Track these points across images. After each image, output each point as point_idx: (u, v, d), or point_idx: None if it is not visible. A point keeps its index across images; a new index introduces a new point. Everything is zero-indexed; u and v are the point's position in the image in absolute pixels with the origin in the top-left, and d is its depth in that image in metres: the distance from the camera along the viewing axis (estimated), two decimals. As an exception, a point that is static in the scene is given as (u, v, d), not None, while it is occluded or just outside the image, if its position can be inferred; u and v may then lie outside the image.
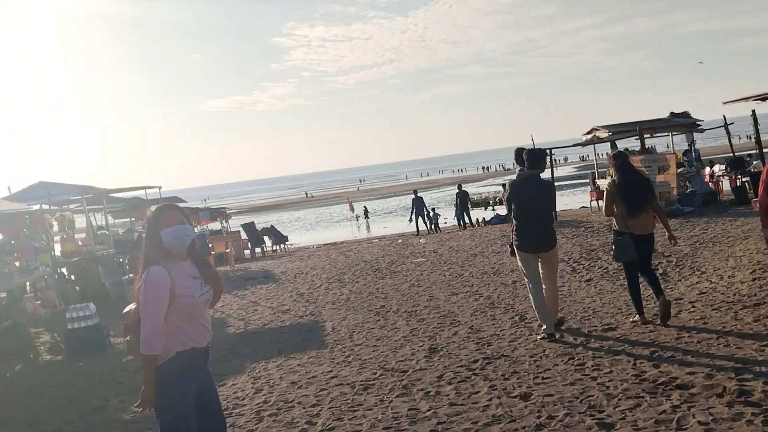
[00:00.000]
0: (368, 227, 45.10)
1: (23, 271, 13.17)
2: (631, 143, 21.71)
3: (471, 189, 64.94)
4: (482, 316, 9.43)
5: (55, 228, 16.26)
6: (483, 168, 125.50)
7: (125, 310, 4.19)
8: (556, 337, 7.63)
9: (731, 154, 21.73)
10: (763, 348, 6.31)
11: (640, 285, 7.88)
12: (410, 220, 27.99)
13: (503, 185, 27.65)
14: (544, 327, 7.74)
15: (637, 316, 7.88)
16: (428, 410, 5.88)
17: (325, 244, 30.81)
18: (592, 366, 6.52)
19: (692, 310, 8.17)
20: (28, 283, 14.58)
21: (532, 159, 7.98)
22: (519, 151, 8.39)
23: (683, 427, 4.83)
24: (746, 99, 11.14)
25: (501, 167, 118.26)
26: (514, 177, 8.42)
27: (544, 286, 7.84)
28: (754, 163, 20.41)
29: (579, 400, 5.63)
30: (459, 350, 7.80)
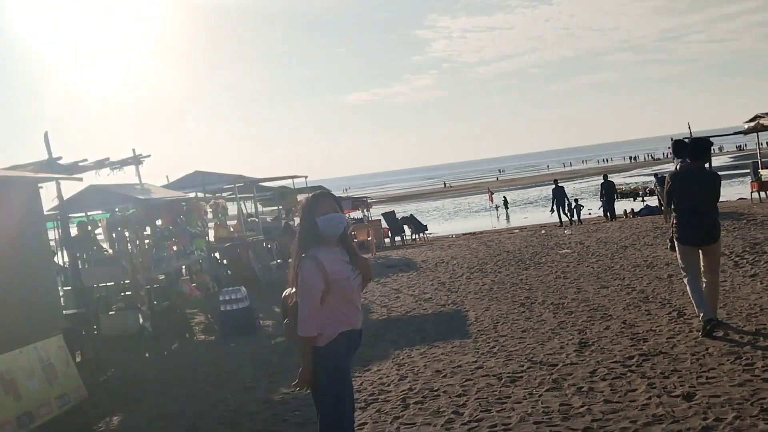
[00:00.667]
0: (507, 217, 44.42)
1: (180, 255, 13.92)
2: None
3: (617, 180, 62.51)
4: (636, 311, 8.93)
5: (210, 215, 17.08)
6: (630, 158, 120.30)
7: (284, 293, 4.24)
8: (717, 320, 7.27)
9: None
10: None
11: None
12: (552, 210, 27.23)
13: (655, 175, 26.25)
14: (702, 314, 7.31)
15: None
16: (581, 406, 5.61)
17: (464, 234, 30.62)
18: (763, 367, 5.98)
19: None
20: (184, 267, 15.40)
21: (697, 149, 7.60)
22: (678, 143, 8.10)
23: None
24: None
25: (649, 157, 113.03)
26: (671, 168, 8.03)
27: (704, 280, 7.46)
28: None
29: (749, 403, 5.17)
30: (612, 345, 7.41)
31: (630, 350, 7.10)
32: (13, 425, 6.63)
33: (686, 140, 8.29)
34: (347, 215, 33.27)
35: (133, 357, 10.29)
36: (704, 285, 7.45)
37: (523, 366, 7.05)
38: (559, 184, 27.21)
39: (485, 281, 13.02)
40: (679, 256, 7.65)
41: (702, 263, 7.49)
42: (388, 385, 7.08)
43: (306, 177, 21.96)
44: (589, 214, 30.34)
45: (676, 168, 8.05)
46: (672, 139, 10.11)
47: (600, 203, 27.65)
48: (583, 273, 12.43)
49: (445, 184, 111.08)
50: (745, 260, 11.25)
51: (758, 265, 10.72)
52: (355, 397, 6.80)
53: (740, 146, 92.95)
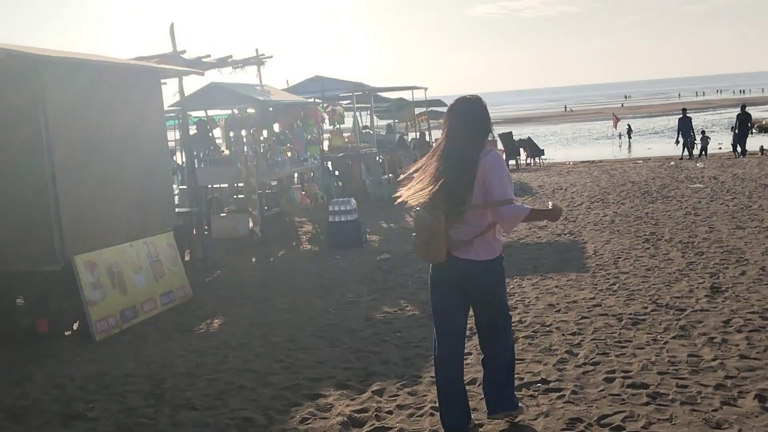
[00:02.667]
0: (630, 147, 42.21)
1: (294, 162, 13.83)
2: None
3: (755, 113, 58.16)
4: (777, 257, 8.07)
5: (326, 122, 16.88)
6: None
7: (421, 215, 3.90)
8: None
9: None
10: None
11: None
12: (677, 142, 25.53)
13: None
14: None
15: None
16: (713, 359, 5.03)
17: (582, 161, 29.30)
18: None
19: None
20: (296, 175, 15.39)
21: None
22: None
23: None
24: None
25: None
26: None
27: None
28: None
29: None
30: (749, 293, 6.69)
31: (770, 301, 6.37)
32: (117, 319, 6.72)
33: None
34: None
35: (240, 260, 10.36)
36: None
37: (646, 308, 6.47)
38: (687, 114, 25.41)
39: (606, 212, 12.25)
40: None
41: None
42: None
43: (426, 89, 21.29)
44: (719, 148, 28.15)
45: None
46: None
47: (731, 137, 25.62)
48: (717, 211, 11.43)
49: (566, 107, 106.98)
50: None
51: None
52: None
53: None
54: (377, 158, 18.25)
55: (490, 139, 4.12)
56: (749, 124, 24.50)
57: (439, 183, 3.82)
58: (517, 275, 8.17)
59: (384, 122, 27.40)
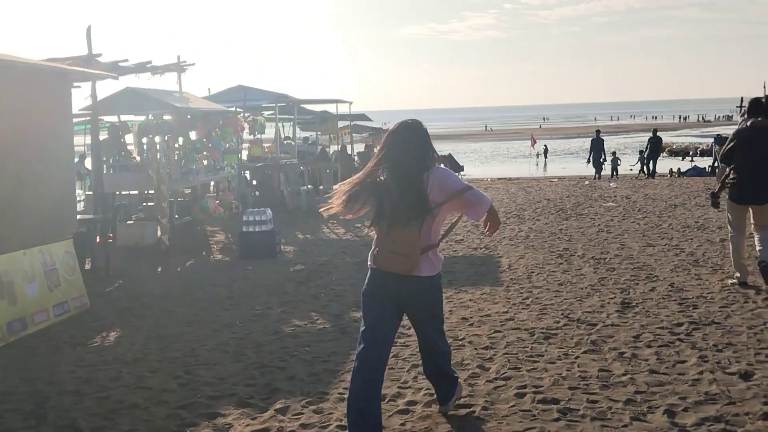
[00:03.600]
0: (546, 166, 43.26)
1: (209, 170, 13.40)
2: None
3: (665, 138, 60.54)
4: (684, 274, 8.21)
5: (246, 131, 16.48)
6: (680, 117, 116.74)
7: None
8: (758, 262, 7.30)
9: None
10: None
11: None
12: (588, 161, 26.44)
13: (716, 137, 25.13)
14: (738, 275, 7.52)
15: None
16: (623, 374, 4.98)
17: (500, 178, 29.73)
18: (835, 351, 5.28)
19: None
20: (213, 183, 14.93)
21: None
22: (755, 102, 7.81)
23: None
24: None
25: (701, 118, 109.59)
26: (722, 130, 7.87)
27: (757, 235, 7.39)
28: None
29: (821, 392, 4.49)
30: (658, 309, 6.74)
31: (678, 316, 6.43)
32: (3, 331, 6.21)
33: (762, 99, 7.99)
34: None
35: (145, 270, 9.87)
36: (757, 241, 7.37)
37: (558, 322, 6.43)
38: (600, 136, 26.37)
39: (522, 228, 12.33)
40: (729, 213, 7.63)
41: (752, 221, 7.46)
42: (409, 328, 6.50)
43: (351, 103, 21.14)
44: (630, 170, 29.08)
45: (745, 125, 7.62)
46: (742, 99, 9.32)
47: (638, 159, 26.74)
48: (628, 229, 11.66)
49: (486, 126, 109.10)
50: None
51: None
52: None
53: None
54: (298, 169, 17.96)
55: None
56: (659, 148, 25.55)
57: (382, 200, 3.87)
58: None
59: (307, 134, 27.10)
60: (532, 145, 42.53)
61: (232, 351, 6.01)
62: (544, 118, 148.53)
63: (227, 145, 13.92)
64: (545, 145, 51.44)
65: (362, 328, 4.07)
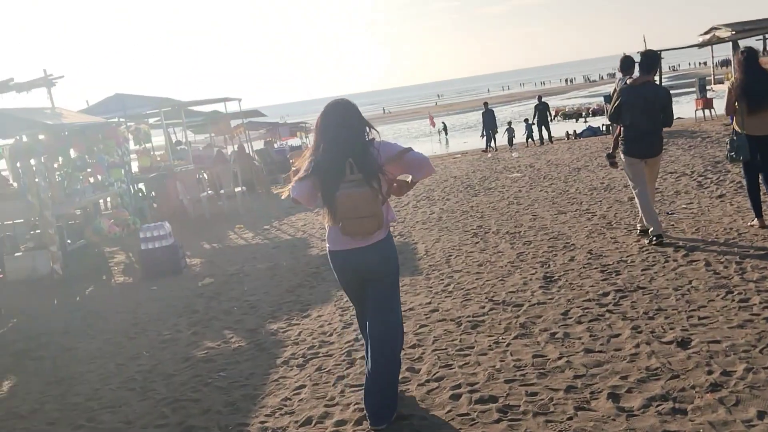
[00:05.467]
0: (447, 143, 43.56)
1: (97, 188, 12.54)
2: (752, 45, 19.35)
3: (554, 102, 62.05)
4: (601, 239, 8.13)
5: (131, 142, 15.56)
6: (566, 80, 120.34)
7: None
8: (662, 238, 7.44)
9: None
10: None
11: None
12: (482, 135, 26.47)
13: (605, 97, 25.65)
14: (652, 229, 7.54)
15: (756, 220, 7.56)
16: (559, 358, 4.74)
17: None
18: (761, 302, 5.22)
19: None
20: (108, 200, 14.01)
21: (647, 62, 7.62)
22: (626, 59, 8.59)
23: None
24: None
25: (586, 79, 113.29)
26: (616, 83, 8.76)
27: None
28: None
29: (758, 350, 4.37)
30: (581, 280, 6.58)
31: (603, 285, 6.28)
32: None
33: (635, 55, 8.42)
34: (286, 142, 31.84)
35: (40, 304, 9.06)
36: None
37: (484, 307, 6.16)
38: (489, 108, 26.38)
39: (433, 210, 12.09)
40: (627, 169, 7.75)
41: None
42: (330, 335, 6.12)
43: (240, 100, 20.40)
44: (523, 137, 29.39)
45: (624, 82, 8.09)
46: (624, 54, 9.39)
47: (525, 126, 26.96)
48: (537, 198, 11.60)
49: (384, 110, 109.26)
50: (709, 180, 10.57)
51: (723, 185, 10.04)
52: (292, 351, 5.82)
53: (673, 66, 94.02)
54: (196, 175, 17.18)
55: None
56: (548, 113, 25.85)
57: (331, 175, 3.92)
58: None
59: (201, 137, 26.15)
60: (432, 124, 42.66)
61: (139, 387, 5.46)
62: (438, 95, 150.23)
63: (111, 159, 13.03)
64: (443, 122, 51.84)
65: (355, 311, 4.58)
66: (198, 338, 6.60)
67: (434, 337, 5.58)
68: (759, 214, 7.53)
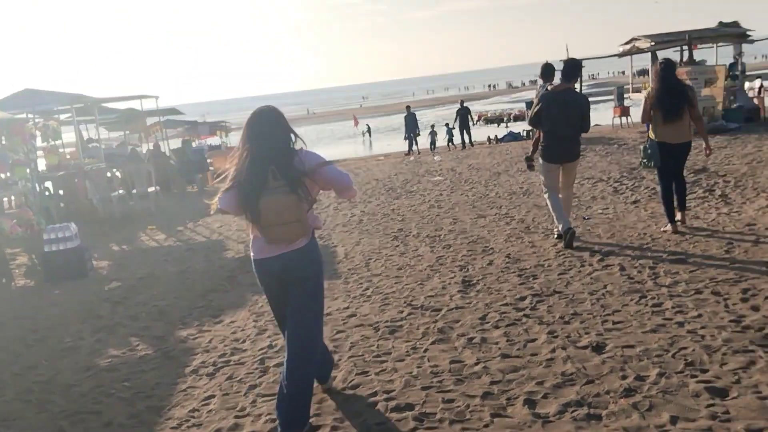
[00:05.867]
0: (371, 145, 43.60)
1: (0, 186, 11.86)
2: (669, 56, 20.03)
3: (476, 107, 62.97)
4: (519, 243, 8.16)
5: (39, 139, 14.80)
6: (489, 86, 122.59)
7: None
8: (573, 230, 7.65)
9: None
10: None
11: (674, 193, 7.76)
12: (405, 138, 26.58)
13: (527, 103, 26.15)
14: (562, 226, 7.73)
15: (669, 225, 7.73)
16: (476, 363, 4.66)
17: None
18: (673, 307, 5.29)
19: (775, 239, 6.88)
20: (6, 199, 13.29)
21: (568, 70, 7.78)
22: (547, 66, 8.84)
23: (830, 400, 3.61)
24: None
25: (508, 85, 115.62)
26: (537, 90, 8.89)
27: (561, 195, 7.90)
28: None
29: (671, 354, 4.40)
30: (499, 284, 6.56)
31: (520, 290, 6.26)
32: None
33: (553, 63, 8.83)
34: (204, 141, 31.10)
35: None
36: (562, 198, 7.87)
37: (402, 312, 6.05)
38: (411, 111, 26.53)
39: (354, 212, 11.95)
40: (542, 173, 7.96)
41: (561, 179, 7.89)
42: (243, 342, 5.89)
43: (157, 97, 19.77)
44: (448, 142, 29.60)
45: (545, 89, 8.30)
46: (546, 62, 9.55)
47: (446, 131, 27.29)
48: (458, 202, 11.61)
49: (308, 110, 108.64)
50: (624, 186, 10.79)
51: (638, 191, 10.27)
52: (202, 360, 5.57)
53: (593, 75, 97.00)
54: (107, 173, 16.51)
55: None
56: (470, 117, 26.18)
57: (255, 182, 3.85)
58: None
59: (115, 134, 25.25)
60: (355, 125, 42.57)
61: (35, 399, 5.10)
62: (363, 97, 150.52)
63: (16, 157, 12.33)
64: (367, 125, 51.87)
65: (276, 320, 4.35)
66: (101, 346, 6.24)
67: (351, 343, 5.43)
68: (672, 220, 7.70)
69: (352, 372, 4.80)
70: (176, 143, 25.49)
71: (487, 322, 5.50)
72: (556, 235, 8.04)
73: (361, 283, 7.25)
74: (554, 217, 7.93)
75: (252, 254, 4.09)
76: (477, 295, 6.27)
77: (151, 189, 15.67)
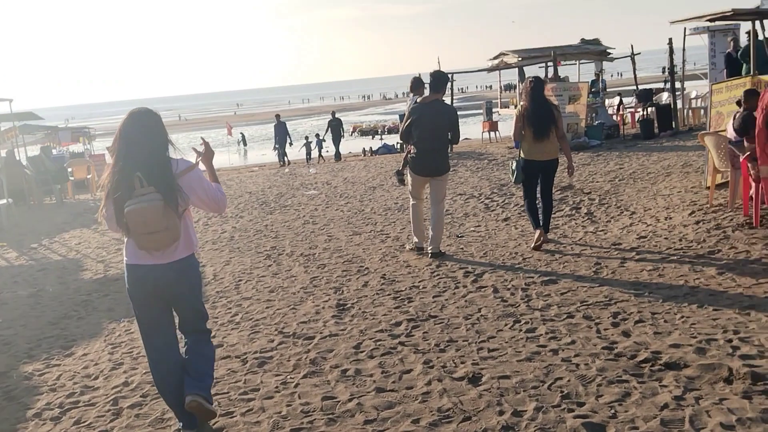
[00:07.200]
0: (245, 155, 42.74)
1: None
2: (535, 72, 20.73)
3: (351, 117, 63.31)
4: (394, 262, 8.02)
5: None
6: (364, 97, 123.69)
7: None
8: (429, 250, 7.89)
9: (635, 86, 21.18)
10: (746, 312, 5.26)
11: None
12: (274, 148, 26.15)
13: (400, 115, 26.37)
14: (416, 240, 8.15)
15: (537, 231, 7.91)
16: (349, 399, 4.41)
17: (201, 172, 28.41)
18: (547, 332, 5.27)
19: (639, 258, 7.10)
20: None
21: (435, 82, 7.90)
22: (416, 80, 8.86)
23: (700, 430, 3.62)
24: (699, 18, 10.10)
25: (382, 96, 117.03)
26: (408, 103, 9.02)
27: (431, 210, 8.00)
28: (664, 95, 19.85)
29: (547, 386, 4.32)
30: (374, 307, 6.37)
31: (396, 314, 6.10)
32: None
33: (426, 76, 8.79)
34: (66, 148, 29.29)
35: None
36: (431, 217, 7.97)
37: (273, 341, 5.73)
38: (281, 120, 26.16)
39: (225, 228, 11.46)
40: (410, 185, 8.06)
41: (429, 193, 8.01)
42: (96, 378, 5.37)
43: (11, 101, 18.33)
44: (327, 151, 29.36)
45: (414, 101, 8.33)
46: (419, 75, 9.60)
47: (316, 142, 27.15)
48: (333, 217, 11.39)
49: (180, 117, 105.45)
50: (495, 203, 10.94)
51: (509, 208, 10.42)
52: (47, 401, 5.05)
53: (462, 89, 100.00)
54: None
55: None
56: (341, 129, 26.25)
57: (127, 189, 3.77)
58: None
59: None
60: (229, 134, 41.55)
61: None
62: (237, 104, 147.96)
63: None
64: (242, 133, 50.85)
65: (141, 333, 4.11)
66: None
67: (216, 378, 5.02)
68: (538, 225, 7.92)
69: (216, 412, 4.43)
70: (34, 150, 23.83)
71: (362, 351, 5.28)
72: (408, 248, 8.37)
73: (230, 308, 6.86)
74: (412, 228, 8.25)
75: (125, 258, 3.96)
76: (352, 321, 6.05)
77: (2, 201, 14.45)
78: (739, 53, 13.14)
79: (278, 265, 8.47)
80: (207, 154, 4.30)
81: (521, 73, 19.66)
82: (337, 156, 25.31)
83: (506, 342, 5.17)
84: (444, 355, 5.03)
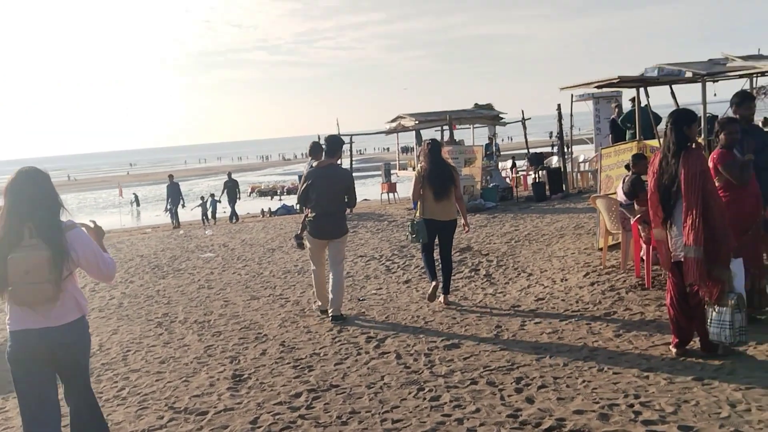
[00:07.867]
0: (138, 215, 41.41)
1: None
2: (431, 134, 21.20)
3: (250, 177, 62.79)
4: (294, 328, 7.77)
5: None
6: (262, 157, 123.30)
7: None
8: (329, 314, 7.86)
9: (526, 150, 21.97)
10: (645, 374, 5.32)
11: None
12: (166, 209, 25.53)
13: (299, 176, 26.29)
14: (320, 303, 8.14)
15: (433, 283, 8.07)
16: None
17: (90, 233, 27.17)
18: (451, 400, 5.15)
19: (538, 321, 7.15)
20: None
21: (330, 146, 8.01)
22: (314, 144, 8.92)
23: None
24: (587, 84, 10.56)
25: (281, 157, 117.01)
26: (305, 166, 8.86)
27: (331, 273, 7.93)
28: (554, 159, 20.64)
29: (454, 459, 4.18)
30: (273, 378, 6.09)
31: (295, 384, 5.84)
32: None
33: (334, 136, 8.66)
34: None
35: None
36: (331, 279, 7.87)
37: (162, 417, 5.35)
38: (174, 181, 25.71)
39: (113, 294, 10.84)
40: (309, 250, 8.07)
41: (328, 256, 8.00)
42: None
43: None
44: (224, 212, 28.70)
45: (311, 165, 8.59)
46: (319, 137, 9.66)
47: (211, 202, 26.63)
48: (230, 281, 11.01)
49: (69, 176, 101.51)
50: (396, 264, 10.89)
51: (409, 270, 10.38)
52: None
53: (360, 150, 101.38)
54: None
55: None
56: (237, 190, 26.03)
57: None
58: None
59: None
60: (120, 195, 40.21)
61: None
62: (131, 164, 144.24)
63: None
64: (134, 194, 49.37)
65: (18, 401, 3.86)
66: None
67: (98, 461, 4.62)
68: (434, 277, 8.13)
69: (97, 503, 4.03)
70: None
71: (259, 427, 4.99)
72: (315, 308, 8.32)
73: (117, 382, 6.40)
74: (315, 294, 8.30)
75: (8, 326, 3.77)
76: (249, 393, 5.74)
77: None
78: (620, 119, 13.85)
79: (170, 334, 8.04)
80: (97, 233, 4.12)
81: (418, 136, 20.05)
82: (234, 217, 24.92)
83: (410, 412, 5.01)
84: (346, 428, 4.82)
